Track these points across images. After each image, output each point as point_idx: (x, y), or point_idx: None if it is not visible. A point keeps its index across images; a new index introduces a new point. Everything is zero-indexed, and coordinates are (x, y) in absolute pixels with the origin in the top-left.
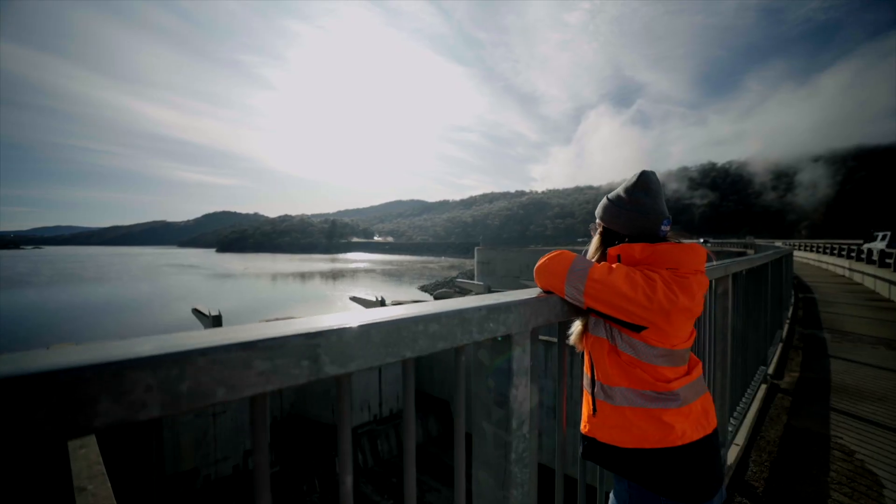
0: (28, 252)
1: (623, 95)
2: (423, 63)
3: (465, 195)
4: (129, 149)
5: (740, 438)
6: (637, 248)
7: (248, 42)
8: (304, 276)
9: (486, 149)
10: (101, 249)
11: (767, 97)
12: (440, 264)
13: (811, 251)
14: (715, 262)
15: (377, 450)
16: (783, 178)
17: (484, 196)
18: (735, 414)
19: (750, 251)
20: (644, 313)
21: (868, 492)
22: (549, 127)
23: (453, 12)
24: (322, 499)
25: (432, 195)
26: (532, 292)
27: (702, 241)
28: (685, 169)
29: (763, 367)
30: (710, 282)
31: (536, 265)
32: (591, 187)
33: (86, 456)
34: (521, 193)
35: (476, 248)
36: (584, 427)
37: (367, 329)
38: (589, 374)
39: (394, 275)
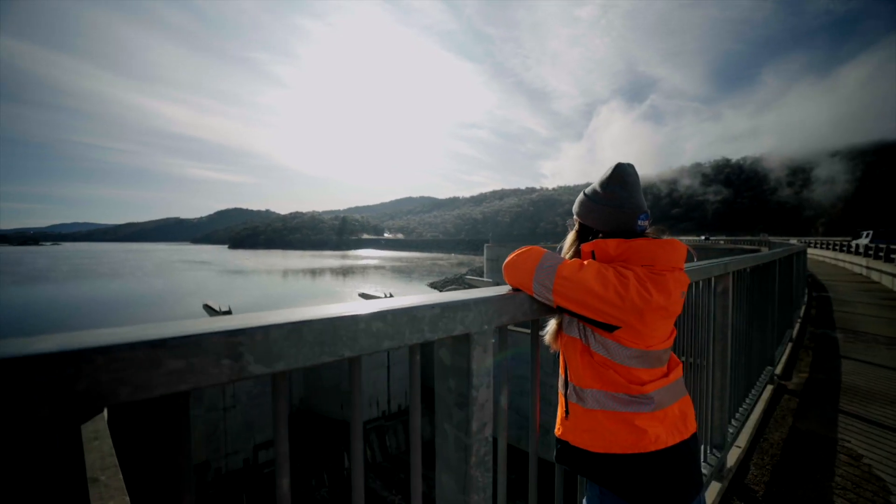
0: (47, 248)
1: (635, 91)
2: (433, 60)
3: (475, 192)
4: (143, 146)
5: (742, 440)
6: (611, 244)
7: (259, 39)
8: (314, 272)
9: (495, 145)
10: (116, 246)
11: (785, 91)
12: (449, 261)
13: (827, 249)
14: (715, 260)
15: (385, 445)
16: (799, 173)
17: (494, 193)
18: (737, 415)
19: (763, 248)
20: (616, 312)
21: (874, 498)
22: (560, 123)
23: (463, 8)
24: (331, 493)
25: (442, 192)
26: (499, 290)
27: (703, 237)
28: (698, 165)
29: (770, 368)
30: (710, 279)
31: (505, 261)
32: None
33: (98, 448)
34: (531, 190)
35: (485, 245)
36: (557, 430)
37: (297, 327)
38: (562, 375)
39: (403, 271)
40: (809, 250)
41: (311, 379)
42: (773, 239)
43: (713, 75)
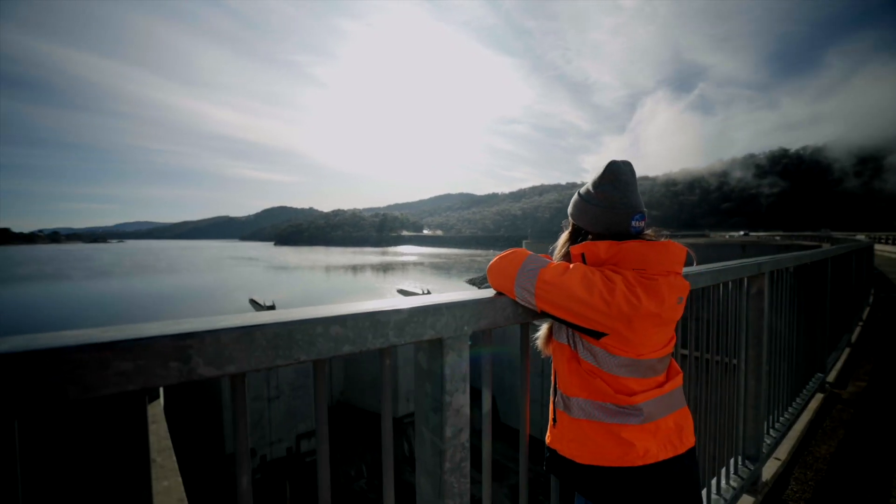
0: (113, 245)
1: (683, 80)
2: (471, 56)
3: (515, 188)
4: (196, 148)
5: (782, 452)
6: (602, 247)
7: (301, 42)
8: (355, 268)
9: (535, 140)
10: (173, 243)
11: (851, 74)
12: (488, 257)
13: None
14: (747, 260)
15: None
16: (869, 162)
17: (533, 188)
18: (776, 425)
19: (825, 244)
20: (602, 318)
21: None
22: (602, 116)
23: (502, 2)
24: (368, 484)
25: (481, 188)
26: (479, 293)
27: (742, 233)
28: (752, 156)
29: (820, 375)
30: (741, 280)
31: (489, 264)
32: (646, 178)
33: (155, 431)
34: (571, 185)
35: (524, 242)
36: (547, 437)
37: (250, 331)
38: (552, 382)
39: (442, 268)
40: (882, 247)
41: (350, 373)
42: (835, 234)
43: (769, 60)
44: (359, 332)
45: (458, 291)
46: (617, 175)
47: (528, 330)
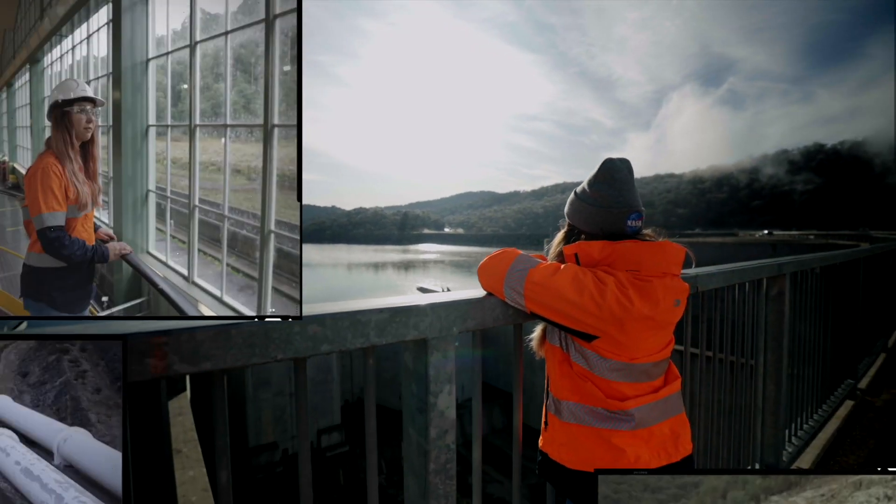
0: None
1: (711, 74)
2: (492, 53)
3: (537, 186)
4: None
5: (805, 461)
6: (596, 247)
7: (325, 42)
8: (377, 266)
9: (558, 137)
10: None
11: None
12: None
13: None
14: (767, 260)
15: None
16: None
17: (556, 186)
18: (799, 433)
19: (863, 244)
20: (593, 321)
21: None
22: (627, 112)
23: None
24: (388, 480)
25: (503, 186)
26: (467, 294)
27: (765, 231)
28: (784, 152)
29: (850, 381)
30: (759, 282)
31: (480, 264)
32: (672, 175)
33: (182, 423)
34: None
35: (545, 240)
36: (539, 441)
37: (226, 329)
38: (546, 385)
39: (463, 266)
40: None
41: None
42: (875, 233)
43: (804, 52)
44: (338, 332)
45: (447, 293)
46: (612, 173)
47: (520, 331)
